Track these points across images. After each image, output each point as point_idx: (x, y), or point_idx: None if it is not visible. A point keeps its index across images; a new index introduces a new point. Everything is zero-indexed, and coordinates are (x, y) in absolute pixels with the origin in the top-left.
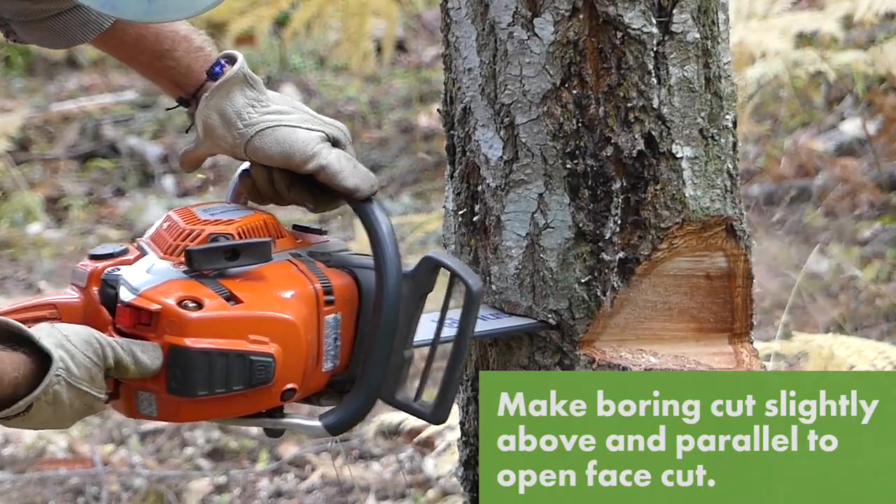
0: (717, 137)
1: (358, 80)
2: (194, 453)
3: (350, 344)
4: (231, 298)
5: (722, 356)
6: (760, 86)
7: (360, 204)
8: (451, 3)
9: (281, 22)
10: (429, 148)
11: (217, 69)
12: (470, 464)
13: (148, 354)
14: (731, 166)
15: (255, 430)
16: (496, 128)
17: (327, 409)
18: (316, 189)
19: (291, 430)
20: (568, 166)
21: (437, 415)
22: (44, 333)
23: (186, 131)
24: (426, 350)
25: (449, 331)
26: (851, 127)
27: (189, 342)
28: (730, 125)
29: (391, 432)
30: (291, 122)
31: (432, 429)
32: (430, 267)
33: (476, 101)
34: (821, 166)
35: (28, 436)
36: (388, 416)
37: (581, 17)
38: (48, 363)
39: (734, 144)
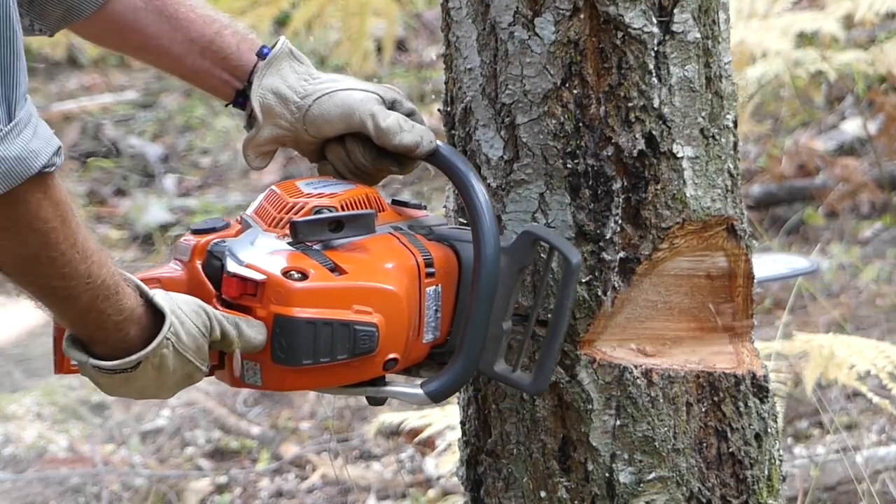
0: (717, 137)
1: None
2: (195, 453)
3: (450, 316)
4: (335, 269)
5: (723, 356)
6: (761, 85)
7: (460, 176)
8: (452, 3)
9: (281, 21)
10: None
11: (265, 50)
12: (471, 463)
13: (253, 329)
14: (731, 166)
15: (255, 430)
16: (497, 127)
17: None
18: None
19: (393, 397)
20: (569, 166)
21: (536, 386)
22: (160, 297)
23: (246, 127)
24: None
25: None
26: (852, 126)
27: (295, 312)
28: (730, 125)
29: (392, 432)
30: (346, 86)
31: (433, 428)
32: (528, 240)
33: (477, 101)
34: (821, 166)
35: (29, 435)
36: (389, 416)
37: (582, 16)
38: (159, 326)
39: (735, 144)
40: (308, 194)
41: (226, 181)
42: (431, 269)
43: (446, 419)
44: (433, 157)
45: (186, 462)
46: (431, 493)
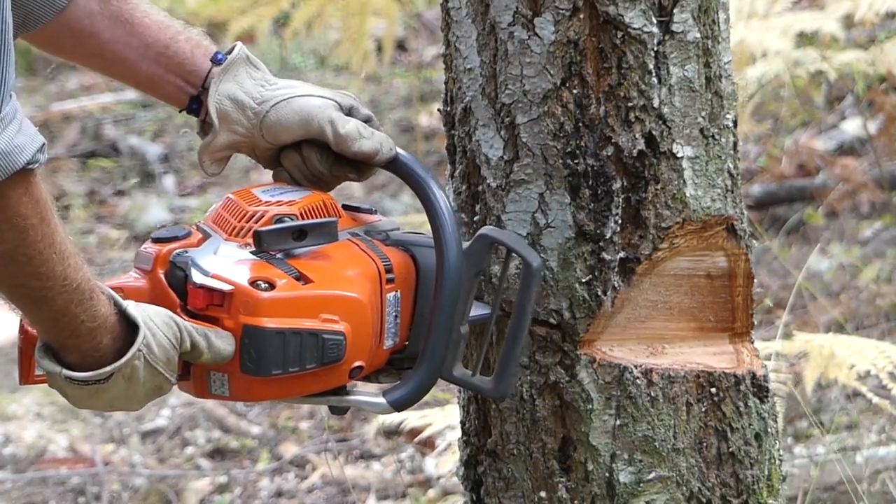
0: (717, 137)
1: (358, 79)
2: (195, 453)
3: (409, 322)
4: (301, 278)
5: (723, 356)
6: (761, 85)
7: (420, 183)
8: (452, 3)
9: (281, 21)
10: (429, 147)
11: (220, 56)
12: (471, 463)
13: (222, 340)
14: (731, 166)
15: (255, 430)
16: (497, 127)
17: (387, 386)
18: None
19: (356, 407)
20: (568, 166)
21: (498, 389)
22: (132, 307)
23: (199, 133)
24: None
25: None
26: (852, 126)
27: (263, 322)
28: (730, 124)
29: (392, 432)
30: (304, 92)
31: (433, 428)
32: (485, 244)
33: (476, 101)
34: (821, 166)
35: (29, 435)
36: (389, 416)
37: (581, 16)
38: (131, 337)
39: (735, 144)
40: (267, 202)
41: (225, 181)
42: (391, 275)
43: (446, 419)
44: (392, 164)
45: (186, 462)
46: (431, 493)
